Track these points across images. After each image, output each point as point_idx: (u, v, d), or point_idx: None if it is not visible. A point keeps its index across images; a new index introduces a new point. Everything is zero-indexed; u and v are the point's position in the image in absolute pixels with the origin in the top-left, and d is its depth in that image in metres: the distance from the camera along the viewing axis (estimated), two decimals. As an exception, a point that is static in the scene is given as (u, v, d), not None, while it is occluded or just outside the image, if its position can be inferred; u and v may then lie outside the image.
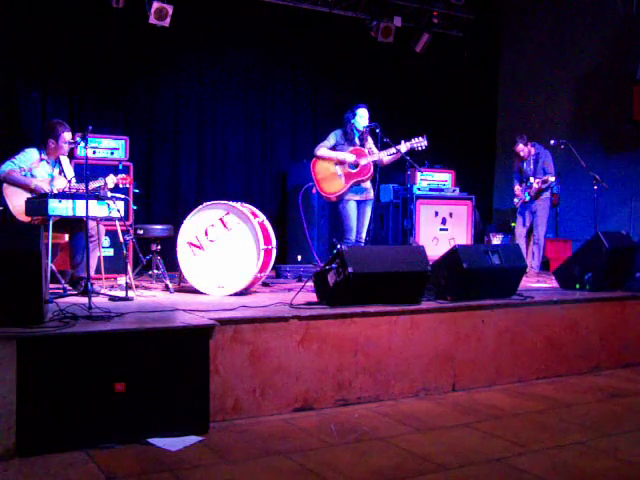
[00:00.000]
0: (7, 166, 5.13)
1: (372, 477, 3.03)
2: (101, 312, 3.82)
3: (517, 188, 7.80)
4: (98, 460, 3.11)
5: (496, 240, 8.87)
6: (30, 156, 5.24)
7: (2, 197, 5.11)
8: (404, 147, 5.92)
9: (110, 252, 6.69)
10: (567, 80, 9.41)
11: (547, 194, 7.66)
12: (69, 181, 5.25)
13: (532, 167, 7.67)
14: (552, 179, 7.48)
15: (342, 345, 4.13)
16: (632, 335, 5.46)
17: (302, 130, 8.94)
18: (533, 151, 7.70)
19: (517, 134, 7.90)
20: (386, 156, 5.95)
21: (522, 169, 7.79)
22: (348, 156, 5.95)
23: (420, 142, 5.95)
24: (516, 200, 7.83)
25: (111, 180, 5.33)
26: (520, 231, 7.77)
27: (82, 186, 5.05)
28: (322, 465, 3.13)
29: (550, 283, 6.40)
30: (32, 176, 5.20)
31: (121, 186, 5.43)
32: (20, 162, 5.18)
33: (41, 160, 5.30)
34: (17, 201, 5.02)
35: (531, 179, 7.61)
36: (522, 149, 7.69)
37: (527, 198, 7.67)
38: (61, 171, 5.39)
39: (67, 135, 5.31)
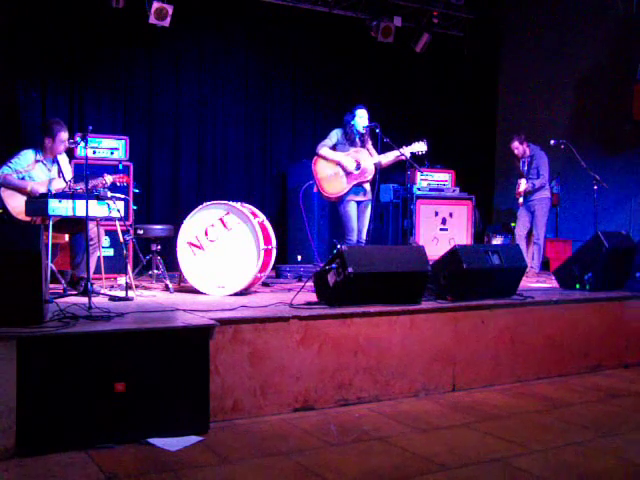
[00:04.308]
0: (3, 170, 5.10)
1: (372, 477, 3.03)
2: (101, 312, 3.82)
3: (517, 192, 7.76)
4: (98, 460, 3.11)
5: (496, 240, 8.87)
6: (26, 158, 5.21)
7: (1, 199, 5.10)
8: (404, 151, 5.94)
9: (110, 252, 6.69)
10: (567, 80, 9.41)
11: (546, 194, 7.63)
12: (69, 182, 5.25)
13: (526, 168, 7.65)
14: (525, 185, 7.46)
15: (342, 345, 4.13)
16: (632, 335, 5.46)
17: (302, 130, 8.94)
18: (528, 152, 7.66)
19: (515, 132, 7.88)
20: (385, 159, 5.97)
21: (521, 170, 7.76)
22: (349, 163, 5.95)
23: (420, 147, 5.98)
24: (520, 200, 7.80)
25: (109, 179, 5.34)
26: (520, 231, 7.75)
27: (81, 185, 5.07)
28: (322, 465, 3.13)
29: (550, 283, 6.40)
30: (30, 178, 5.19)
31: (118, 184, 5.42)
32: (16, 165, 5.14)
33: (37, 162, 5.25)
34: (15, 203, 5.02)
35: (520, 180, 7.58)
36: (517, 147, 7.65)
37: (520, 200, 7.64)
38: (60, 172, 5.38)
39: (64, 134, 5.28)
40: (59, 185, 5.25)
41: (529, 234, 7.78)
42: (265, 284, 5.97)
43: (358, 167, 5.97)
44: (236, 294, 5.08)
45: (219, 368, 3.70)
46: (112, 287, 5.42)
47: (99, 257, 5.23)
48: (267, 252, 5.23)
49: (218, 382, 3.68)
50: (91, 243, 5.01)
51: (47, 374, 3.20)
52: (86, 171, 4.65)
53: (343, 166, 5.96)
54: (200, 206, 5.21)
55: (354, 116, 6.04)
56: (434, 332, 4.50)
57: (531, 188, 7.50)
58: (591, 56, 9.12)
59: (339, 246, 4.45)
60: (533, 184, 7.49)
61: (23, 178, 5.16)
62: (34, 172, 5.23)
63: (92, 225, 5.11)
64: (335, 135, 6.09)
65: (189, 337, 3.56)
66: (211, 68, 8.40)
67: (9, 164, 5.15)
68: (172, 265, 6.00)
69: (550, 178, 7.80)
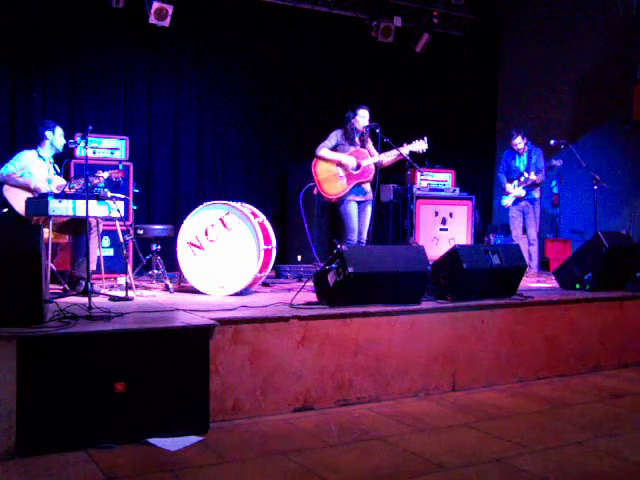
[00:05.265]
0: (6, 169, 5.20)
1: (372, 477, 3.03)
2: (101, 312, 3.82)
3: (509, 186, 7.67)
4: (98, 460, 3.11)
5: (496, 240, 8.86)
6: (26, 157, 5.32)
7: (4, 199, 5.15)
8: (404, 150, 5.92)
9: (110, 252, 6.69)
10: (567, 80, 9.41)
11: (537, 193, 7.63)
12: (69, 182, 5.29)
13: (526, 163, 7.63)
14: (534, 177, 7.44)
15: (342, 345, 4.13)
16: (632, 335, 5.46)
17: (302, 130, 8.92)
18: (526, 148, 7.67)
19: (514, 128, 7.87)
20: (386, 158, 5.95)
21: (511, 166, 7.73)
22: (350, 161, 5.94)
23: (421, 145, 5.96)
24: (506, 200, 7.68)
25: (105, 174, 5.40)
26: (516, 232, 7.73)
27: (80, 181, 5.18)
28: (322, 465, 3.13)
29: (550, 283, 6.40)
30: (30, 175, 5.25)
31: (114, 179, 5.46)
32: (17, 163, 5.23)
33: (39, 157, 5.36)
34: (20, 201, 5.06)
35: (525, 174, 7.54)
36: (520, 142, 7.64)
37: (523, 192, 7.58)
38: (56, 172, 5.49)
39: (60, 129, 5.46)
40: (60, 182, 5.33)
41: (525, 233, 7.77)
42: (265, 284, 5.97)
43: (358, 167, 5.97)
44: (236, 294, 5.08)
45: (219, 368, 3.70)
46: (112, 287, 5.42)
47: (99, 257, 5.23)
48: (267, 252, 5.23)
49: (218, 382, 3.68)
50: (91, 232, 5.04)
51: (47, 374, 3.20)
52: (86, 171, 4.66)
53: (343, 165, 5.94)
54: (200, 206, 5.21)
55: (356, 115, 6.03)
56: (434, 332, 4.49)
57: (538, 181, 7.48)
58: (591, 56, 9.12)
59: (339, 246, 4.45)
60: (539, 177, 7.48)
61: (23, 175, 5.23)
62: (34, 169, 5.29)
63: (92, 219, 5.13)
64: (334, 136, 6.08)
65: (189, 337, 3.56)
66: (211, 68, 8.39)
67: (11, 162, 5.23)
68: (172, 265, 6.00)
69: (546, 169, 7.80)
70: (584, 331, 5.21)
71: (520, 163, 7.67)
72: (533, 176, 7.45)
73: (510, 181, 7.67)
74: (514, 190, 7.60)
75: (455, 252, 4.80)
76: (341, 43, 9.06)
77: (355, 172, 5.96)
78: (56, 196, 4.70)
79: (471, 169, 10.03)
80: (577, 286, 5.68)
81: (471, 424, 3.82)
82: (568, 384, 4.84)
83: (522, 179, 7.54)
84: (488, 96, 10.48)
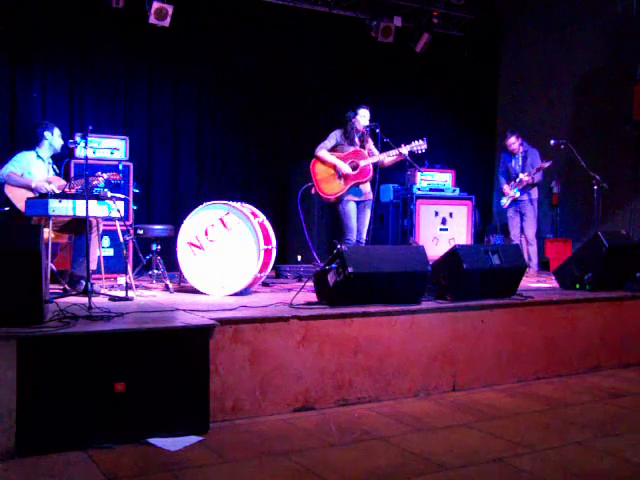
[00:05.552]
0: (6, 169, 5.25)
1: (372, 477, 3.03)
2: (101, 312, 3.82)
3: (506, 187, 7.70)
4: (98, 460, 3.11)
5: (496, 240, 8.86)
6: (25, 158, 5.37)
7: (6, 197, 5.18)
8: (404, 150, 5.93)
9: (110, 252, 6.69)
10: (567, 80, 9.41)
11: (535, 194, 7.63)
12: (69, 182, 5.30)
13: (521, 164, 7.64)
14: (526, 178, 7.45)
15: (342, 345, 4.13)
16: (632, 335, 5.46)
17: (302, 130, 8.91)
18: (522, 149, 7.68)
19: (508, 129, 7.86)
20: (387, 158, 5.95)
21: (509, 167, 7.75)
22: (344, 167, 5.94)
23: (420, 145, 5.97)
24: (504, 200, 7.72)
25: (105, 176, 5.43)
26: (515, 232, 7.74)
27: (80, 182, 5.22)
28: (322, 465, 3.13)
29: (550, 283, 6.40)
30: (30, 174, 5.28)
31: (112, 181, 5.49)
32: (17, 163, 5.27)
33: (38, 157, 5.40)
34: (22, 199, 5.08)
35: (520, 175, 7.56)
36: (514, 142, 7.65)
37: (517, 194, 7.59)
38: (55, 172, 5.52)
39: (58, 130, 5.53)
40: (59, 182, 5.36)
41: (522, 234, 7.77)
42: (265, 284, 5.97)
43: (356, 167, 5.97)
44: (236, 294, 5.08)
45: (219, 368, 3.70)
46: (112, 287, 5.43)
47: (99, 257, 5.24)
48: (267, 252, 5.23)
49: (218, 382, 3.68)
50: (91, 231, 5.05)
51: (47, 374, 3.20)
52: (86, 171, 4.66)
53: (338, 169, 5.96)
54: (200, 206, 5.21)
55: (356, 114, 6.03)
56: (434, 332, 4.49)
57: (532, 182, 7.50)
58: (591, 56, 9.12)
59: (339, 246, 4.44)
60: (532, 178, 7.49)
61: (22, 175, 5.25)
62: (33, 170, 5.31)
63: (92, 219, 5.14)
64: (334, 136, 6.08)
65: (189, 337, 3.56)
66: (210, 68, 8.39)
67: (10, 163, 5.26)
68: (172, 265, 6.00)
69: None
70: (584, 331, 5.21)
71: (516, 164, 7.68)
72: (525, 177, 7.48)
73: (509, 182, 7.70)
74: (510, 191, 7.63)
75: (455, 252, 4.80)
76: (341, 43, 9.06)
77: (353, 172, 5.96)
78: (56, 196, 4.70)
79: (471, 169, 10.03)
80: (577, 286, 5.68)
81: (471, 424, 3.82)
82: (568, 384, 4.84)
83: (517, 180, 7.56)
84: (488, 96, 10.48)
